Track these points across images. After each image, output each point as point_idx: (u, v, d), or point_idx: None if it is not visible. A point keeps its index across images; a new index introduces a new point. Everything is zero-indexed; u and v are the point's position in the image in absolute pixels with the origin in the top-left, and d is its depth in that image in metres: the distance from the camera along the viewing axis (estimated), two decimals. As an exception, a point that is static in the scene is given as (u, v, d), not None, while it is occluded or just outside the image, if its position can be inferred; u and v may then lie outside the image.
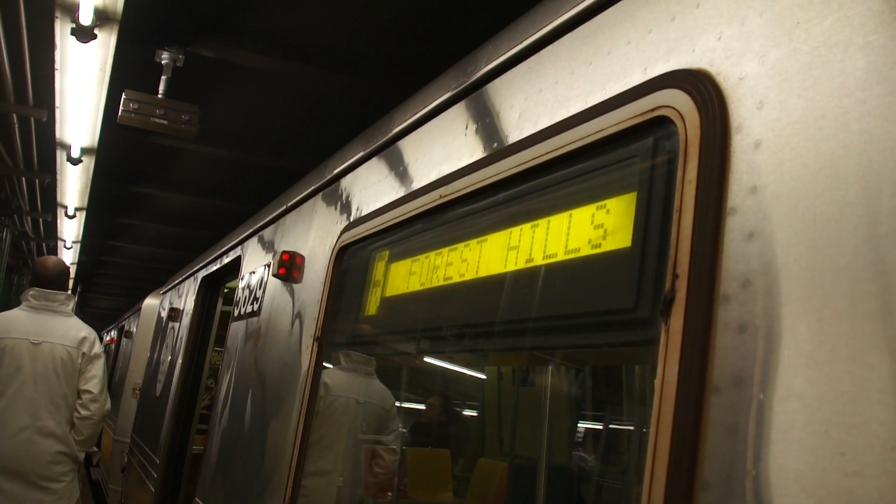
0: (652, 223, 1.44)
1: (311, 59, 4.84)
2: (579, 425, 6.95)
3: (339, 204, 3.32)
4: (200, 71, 5.07)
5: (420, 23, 4.39)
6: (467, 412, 8.14)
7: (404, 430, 5.89)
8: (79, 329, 5.57)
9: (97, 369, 5.55)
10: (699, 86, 1.37)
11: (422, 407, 7.76)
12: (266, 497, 3.28)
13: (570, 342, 1.72)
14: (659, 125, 1.46)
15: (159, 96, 4.63)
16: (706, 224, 1.26)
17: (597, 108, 1.64)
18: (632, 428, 6.88)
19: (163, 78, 4.69)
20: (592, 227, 1.60)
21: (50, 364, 5.30)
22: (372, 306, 2.70)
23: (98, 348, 5.62)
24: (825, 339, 1.04)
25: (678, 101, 1.40)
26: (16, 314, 5.42)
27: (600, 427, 7.00)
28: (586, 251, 1.60)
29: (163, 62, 4.66)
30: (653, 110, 1.46)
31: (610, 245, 1.53)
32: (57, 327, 5.44)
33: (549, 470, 6.03)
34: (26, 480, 5.22)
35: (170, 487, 6.02)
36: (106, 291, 21.81)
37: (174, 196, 8.78)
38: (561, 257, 1.67)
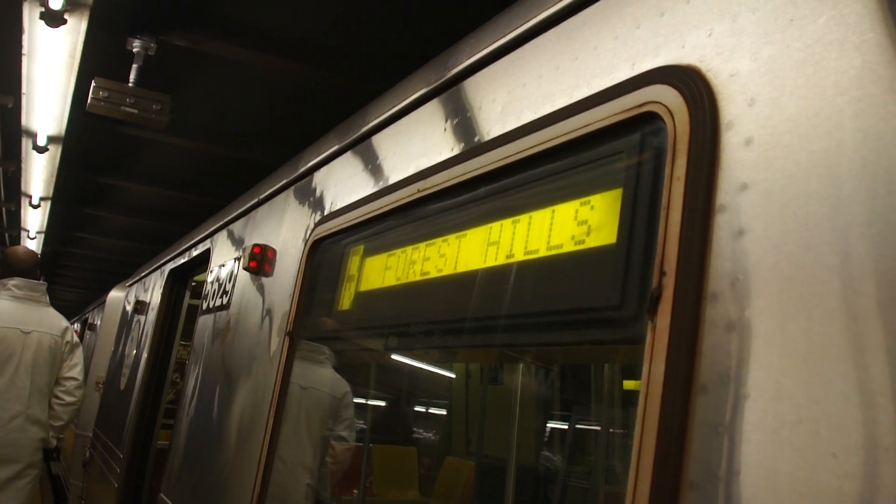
0: (638, 220, 1.42)
1: (286, 52, 4.77)
2: (548, 425, 6.97)
3: (312, 197, 3.28)
4: (173, 60, 4.98)
5: (399, 18, 4.35)
6: (436, 410, 8.13)
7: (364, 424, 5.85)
8: (60, 318, 5.74)
9: (79, 357, 5.76)
10: (689, 82, 1.35)
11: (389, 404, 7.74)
12: (234, 492, 3.23)
13: (551, 339, 1.69)
14: (646, 121, 1.45)
15: (130, 85, 4.54)
16: (694, 221, 1.25)
17: (582, 102, 1.62)
18: (598, 428, 6.91)
19: (134, 66, 4.60)
20: (576, 224, 1.58)
21: (39, 353, 5.41)
22: (346, 301, 2.66)
23: (77, 337, 5.78)
24: (816, 338, 1.03)
25: (667, 97, 1.38)
26: (1, 304, 5.41)
27: (567, 427, 7.02)
28: (569, 247, 1.58)
29: (134, 50, 4.57)
30: (640, 106, 1.44)
31: (594, 241, 1.51)
32: (41, 317, 5.54)
33: (517, 468, 6.03)
34: (14, 469, 5.26)
35: (133, 482, 5.93)
36: (70, 284, 21.46)
37: (142, 188, 8.63)
38: (543, 253, 1.65)
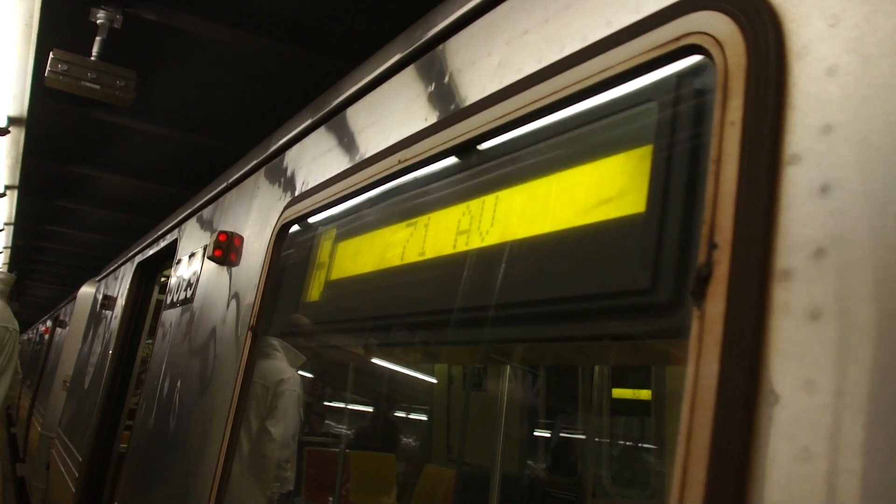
0: (674, 181, 1.12)
1: (261, 29, 4.45)
2: (532, 432, 6.68)
3: (283, 178, 2.96)
4: (140, 35, 4.65)
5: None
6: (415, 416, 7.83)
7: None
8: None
9: None
10: (742, 4, 1.05)
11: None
12: (191, 499, 2.91)
13: (566, 334, 1.37)
14: (684, 58, 1.15)
15: (92, 59, 4.20)
16: (758, 177, 0.95)
17: (600, 44, 1.31)
18: (584, 437, 6.63)
19: (97, 39, 4.25)
20: (594, 190, 1.27)
21: (14, 351, 5.18)
22: (315, 292, 2.35)
23: None
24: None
25: (714, 26, 1.08)
26: None
27: (550, 435, 6.75)
28: (584, 220, 1.28)
29: (98, 22, 4.23)
30: (677, 40, 1.14)
31: (617, 211, 1.21)
32: (9, 313, 5.26)
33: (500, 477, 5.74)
34: None
35: (92, 488, 5.57)
36: (44, 279, 20.94)
37: (117, 179, 8.23)
38: (551, 228, 1.34)
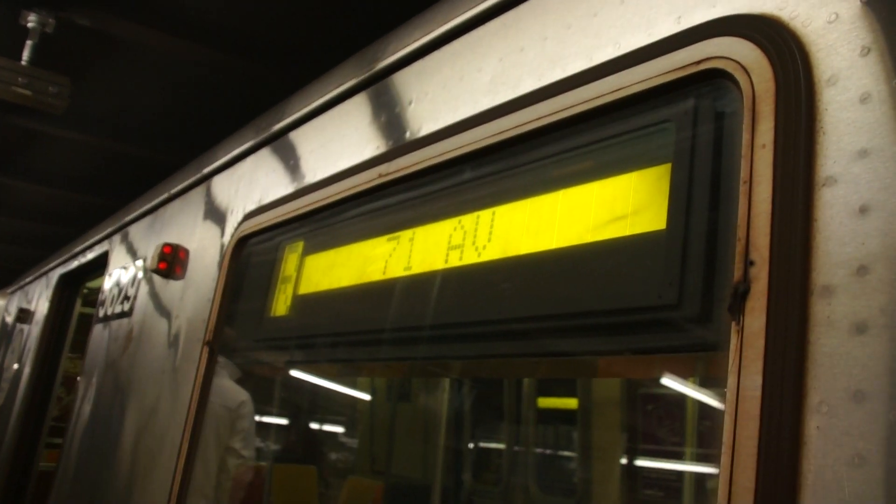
0: (696, 199, 1.15)
1: (201, 37, 4.35)
2: (452, 442, 6.71)
3: (237, 190, 2.90)
4: (74, 41, 4.49)
5: (325, 8, 4.00)
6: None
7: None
8: None
9: None
10: (768, 32, 1.10)
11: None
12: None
13: (587, 348, 1.38)
14: (704, 81, 1.19)
15: (23, 63, 4.04)
16: (793, 197, 0.99)
17: (610, 64, 1.35)
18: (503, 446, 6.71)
19: (28, 43, 4.09)
20: (603, 208, 1.30)
21: None
22: (281, 306, 2.31)
23: None
24: None
25: (739, 52, 1.12)
26: None
27: (475, 444, 6.80)
28: (590, 237, 1.30)
29: (29, 25, 4.07)
30: (697, 63, 1.18)
31: (633, 228, 1.24)
32: None
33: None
34: None
35: (9, 509, 5.32)
36: (-60, 291, 19.94)
37: (32, 188, 7.87)
38: (568, 244, 1.37)
